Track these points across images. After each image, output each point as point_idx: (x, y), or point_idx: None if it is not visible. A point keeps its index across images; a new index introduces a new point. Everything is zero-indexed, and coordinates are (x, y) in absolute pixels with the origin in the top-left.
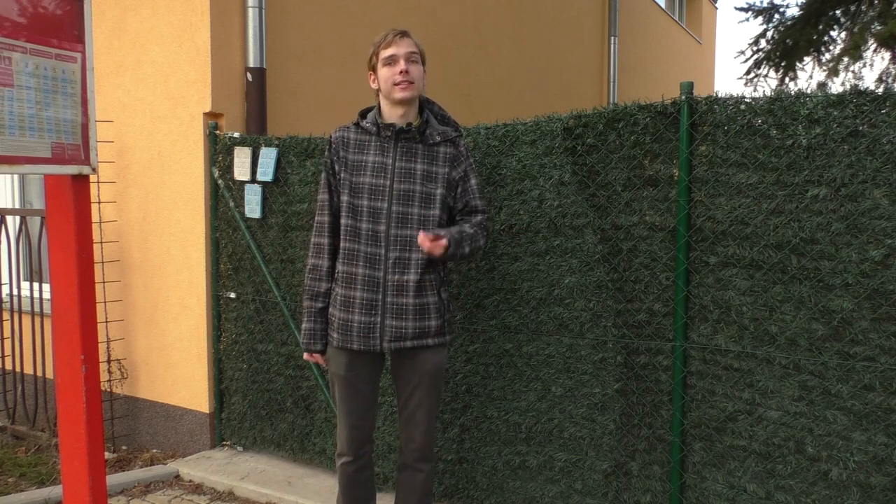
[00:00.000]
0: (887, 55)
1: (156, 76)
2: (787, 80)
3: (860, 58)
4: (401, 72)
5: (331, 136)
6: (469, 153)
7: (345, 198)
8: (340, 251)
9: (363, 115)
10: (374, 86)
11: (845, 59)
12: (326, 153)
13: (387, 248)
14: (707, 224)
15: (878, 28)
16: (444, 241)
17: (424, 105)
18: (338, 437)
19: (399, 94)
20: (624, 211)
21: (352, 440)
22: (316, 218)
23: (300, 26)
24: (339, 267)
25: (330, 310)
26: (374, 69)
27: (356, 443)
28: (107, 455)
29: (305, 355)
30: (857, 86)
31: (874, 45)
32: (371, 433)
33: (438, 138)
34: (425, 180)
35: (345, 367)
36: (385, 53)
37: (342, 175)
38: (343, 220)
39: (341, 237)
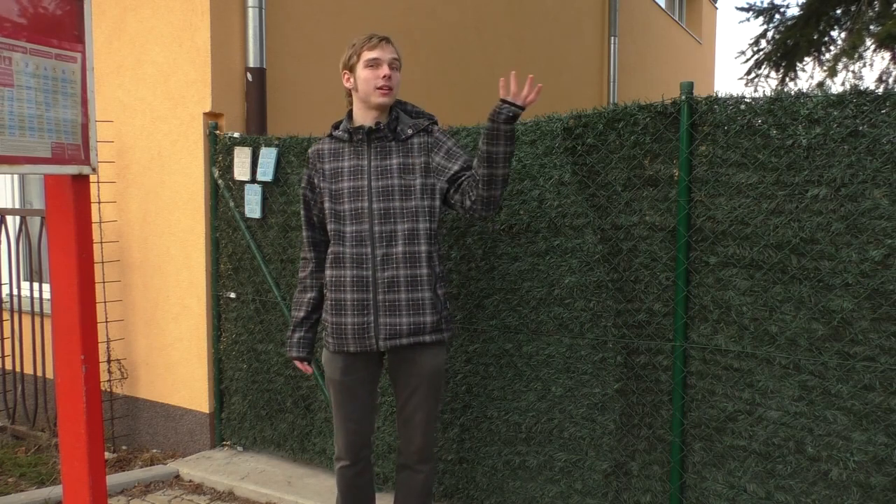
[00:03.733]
0: (887, 55)
1: (156, 76)
2: (787, 80)
3: (860, 58)
4: (384, 76)
5: (308, 153)
6: (447, 136)
7: (328, 204)
8: (328, 256)
9: (336, 126)
10: (348, 85)
11: (843, 59)
12: (304, 170)
13: (373, 246)
14: (707, 224)
15: (877, 28)
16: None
17: (395, 106)
18: (335, 442)
19: (379, 99)
20: (624, 211)
21: (350, 445)
22: (302, 233)
23: (300, 26)
24: (328, 272)
25: (324, 315)
26: (351, 69)
27: (354, 447)
28: (107, 455)
29: (293, 361)
30: (857, 86)
31: (874, 46)
32: (370, 437)
33: (410, 131)
34: (403, 173)
35: (341, 372)
36: (369, 55)
37: (322, 185)
38: (329, 226)
39: (330, 242)
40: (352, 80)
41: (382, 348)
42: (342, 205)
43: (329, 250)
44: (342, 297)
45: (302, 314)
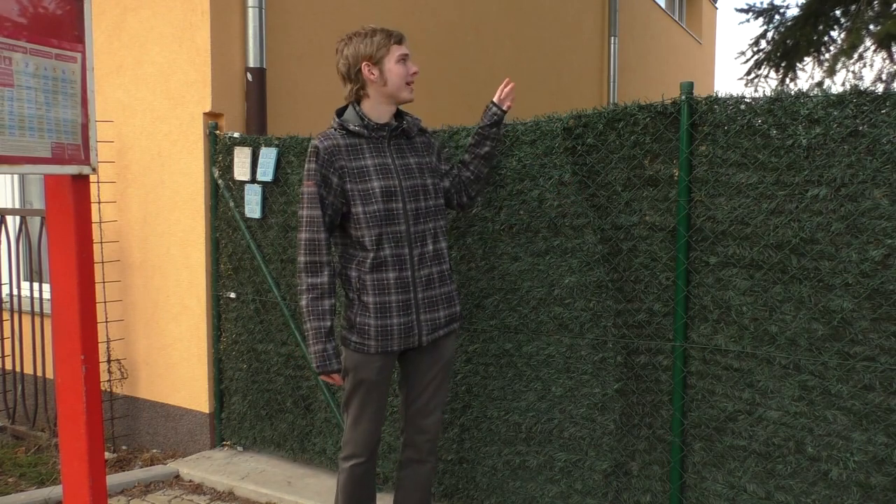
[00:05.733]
0: (887, 55)
1: (156, 76)
2: (787, 80)
3: (860, 58)
4: (414, 73)
5: (316, 147)
6: (434, 136)
7: (358, 209)
8: (363, 260)
9: (340, 115)
10: (371, 77)
11: (842, 58)
12: (313, 165)
13: (410, 246)
14: (707, 224)
15: (876, 28)
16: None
17: None
18: (349, 442)
19: (408, 95)
20: (624, 211)
21: (369, 442)
22: (304, 234)
23: (300, 26)
24: (365, 276)
25: (359, 319)
26: (378, 62)
27: (371, 444)
28: (107, 455)
29: (322, 376)
30: (857, 86)
31: (874, 46)
32: (381, 433)
33: (416, 130)
34: (421, 172)
35: (377, 372)
36: (400, 51)
37: (348, 185)
38: (360, 232)
39: (363, 246)
40: (376, 73)
41: (425, 343)
42: (374, 205)
43: (362, 253)
44: (387, 299)
45: (329, 324)
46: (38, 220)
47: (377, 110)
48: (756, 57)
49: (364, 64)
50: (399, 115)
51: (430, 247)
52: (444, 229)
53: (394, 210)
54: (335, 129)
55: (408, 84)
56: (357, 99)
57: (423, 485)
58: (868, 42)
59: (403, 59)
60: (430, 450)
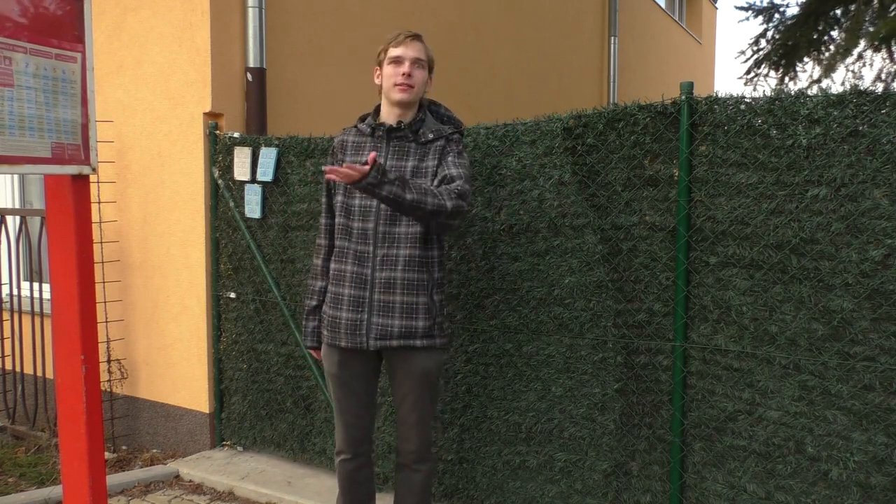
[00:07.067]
0: (885, 55)
1: (156, 76)
2: (787, 79)
3: (860, 58)
4: (404, 73)
5: (333, 141)
6: (461, 147)
7: (339, 198)
8: (335, 249)
9: (363, 118)
10: (377, 81)
11: (838, 57)
12: (329, 157)
13: (375, 245)
14: (707, 224)
15: (871, 29)
16: (365, 168)
17: (426, 106)
18: (335, 435)
19: (397, 96)
20: (624, 211)
21: (348, 438)
22: (319, 220)
23: (300, 26)
24: (332, 265)
25: (323, 307)
26: (380, 65)
27: (353, 441)
28: (107, 455)
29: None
30: (857, 86)
31: (871, 46)
32: (368, 432)
33: (431, 136)
34: (415, 176)
35: (336, 366)
36: (393, 52)
37: None
38: (338, 220)
39: (336, 236)
40: (380, 76)
41: (372, 347)
42: (353, 200)
43: (336, 244)
44: (341, 291)
45: (314, 303)
46: (38, 220)
47: (385, 111)
48: (756, 56)
49: (375, 68)
50: (422, 115)
51: (402, 251)
52: (431, 237)
53: (368, 207)
54: (352, 127)
55: (396, 85)
56: (380, 98)
57: (418, 489)
58: (864, 43)
59: (395, 60)
60: (417, 460)
